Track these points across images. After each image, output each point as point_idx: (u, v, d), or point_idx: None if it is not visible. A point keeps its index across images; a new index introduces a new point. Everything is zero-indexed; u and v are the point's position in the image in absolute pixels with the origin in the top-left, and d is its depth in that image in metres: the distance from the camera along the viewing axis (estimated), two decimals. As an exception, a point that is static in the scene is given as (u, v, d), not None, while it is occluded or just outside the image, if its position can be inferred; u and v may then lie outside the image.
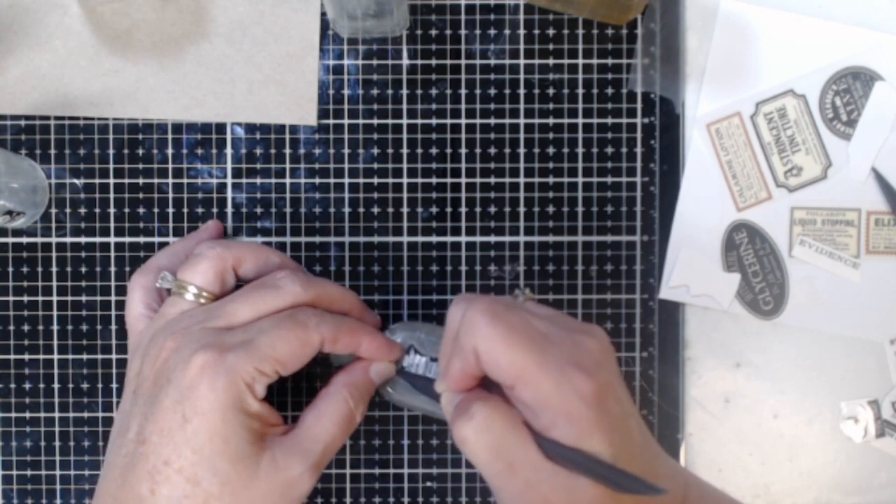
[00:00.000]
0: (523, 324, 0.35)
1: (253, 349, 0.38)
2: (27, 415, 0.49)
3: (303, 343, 0.39)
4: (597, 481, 0.33)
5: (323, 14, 0.49)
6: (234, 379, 0.37)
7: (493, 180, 0.49)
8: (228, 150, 0.49)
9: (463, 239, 0.49)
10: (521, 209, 0.49)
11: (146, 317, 0.42)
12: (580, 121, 0.49)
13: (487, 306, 0.35)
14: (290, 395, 0.49)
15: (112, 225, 0.49)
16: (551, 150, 0.49)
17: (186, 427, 0.37)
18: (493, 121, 0.49)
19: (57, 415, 0.49)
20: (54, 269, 0.49)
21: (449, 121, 0.49)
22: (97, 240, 0.49)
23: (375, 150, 0.49)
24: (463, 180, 0.49)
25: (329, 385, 0.42)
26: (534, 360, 0.34)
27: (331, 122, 0.49)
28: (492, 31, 0.49)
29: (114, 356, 0.49)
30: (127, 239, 0.49)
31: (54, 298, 0.49)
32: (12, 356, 0.49)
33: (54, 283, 0.49)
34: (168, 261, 0.44)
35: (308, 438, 0.39)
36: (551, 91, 0.49)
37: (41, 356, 0.49)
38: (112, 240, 0.49)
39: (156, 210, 0.49)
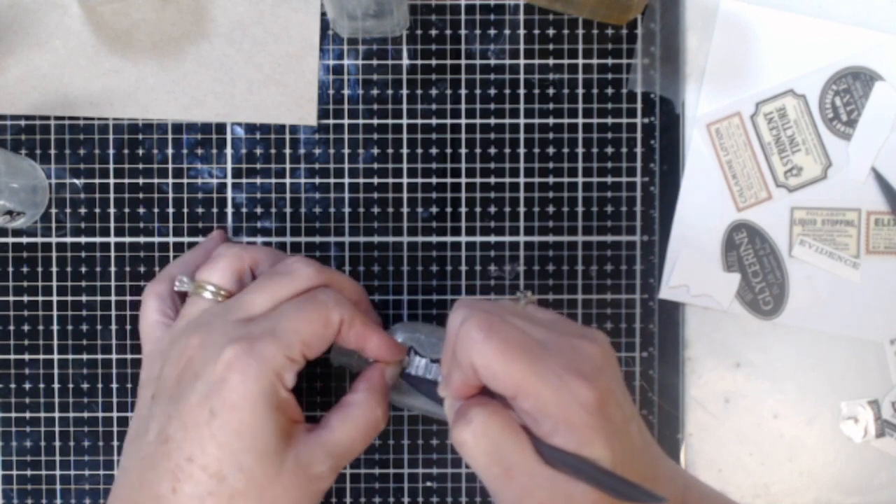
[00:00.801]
0: (519, 335, 0.35)
1: (280, 336, 0.37)
2: (27, 415, 0.49)
3: (325, 322, 0.39)
4: (597, 488, 0.33)
5: (323, 14, 0.49)
6: (265, 370, 0.37)
7: (493, 180, 0.49)
8: (228, 150, 0.49)
9: (463, 239, 0.49)
10: (521, 209, 0.49)
11: (162, 324, 0.42)
12: (580, 121, 0.49)
13: (482, 320, 0.35)
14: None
15: (112, 225, 0.49)
16: (551, 150, 0.49)
17: (213, 422, 0.36)
18: (493, 121, 0.49)
19: (57, 415, 0.49)
20: (54, 269, 0.49)
21: (449, 121, 0.49)
22: (97, 240, 0.49)
23: (375, 150, 0.49)
24: (463, 180, 0.49)
25: (355, 392, 0.41)
26: (532, 371, 0.34)
27: (331, 122, 0.49)
28: (492, 31, 0.49)
29: (114, 356, 0.49)
30: (127, 239, 0.49)
31: (54, 298, 0.49)
32: (12, 356, 0.49)
33: (54, 283, 0.49)
34: (179, 270, 0.44)
35: (332, 440, 0.39)
36: (551, 91, 0.49)
37: (41, 356, 0.49)
38: (112, 240, 0.49)
39: (156, 210, 0.49)
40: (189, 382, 0.37)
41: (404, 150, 0.49)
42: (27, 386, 0.49)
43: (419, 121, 0.49)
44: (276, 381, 0.37)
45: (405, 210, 0.49)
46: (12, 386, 0.49)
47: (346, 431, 0.40)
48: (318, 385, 0.49)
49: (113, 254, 0.49)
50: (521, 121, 0.49)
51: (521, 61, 0.49)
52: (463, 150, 0.49)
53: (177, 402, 0.37)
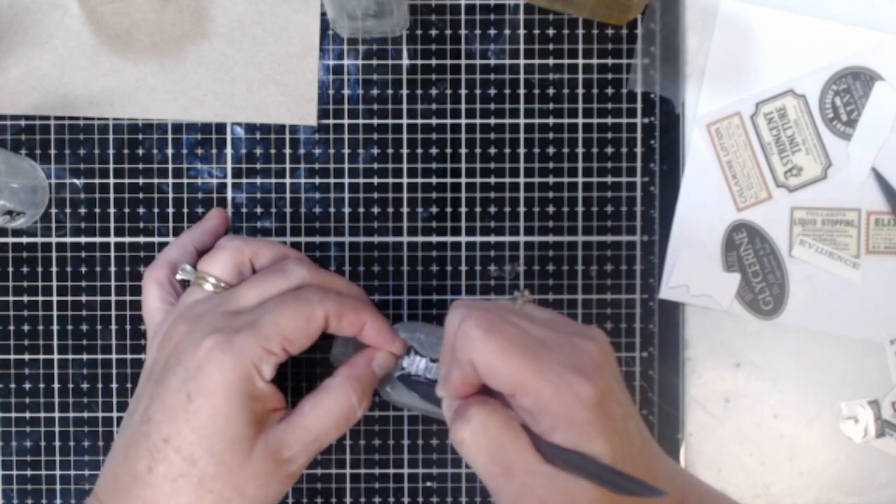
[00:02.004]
0: (518, 333, 0.35)
1: (259, 329, 0.38)
2: (27, 415, 0.49)
3: (307, 318, 0.39)
4: (597, 484, 0.33)
5: (323, 14, 0.49)
6: (241, 360, 0.38)
7: (493, 180, 0.49)
8: (228, 150, 0.49)
9: (463, 239, 0.49)
10: (521, 209, 0.49)
11: (163, 310, 0.43)
12: (580, 121, 0.49)
13: (481, 318, 0.35)
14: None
15: (112, 225, 0.49)
16: (551, 150, 0.49)
17: (189, 406, 0.37)
18: (493, 121, 0.49)
19: (57, 415, 0.49)
20: (54, 269, 0.49)
21: (449, 121, 0.49)
22: (97, 240, 0.49)
23: (375, 150, 0.49)
24: (463, 180, 0.49)
25: (333, 377, 0.42)
26: (531, 368, 0.34)
27: (331, 122, 0.49)
28: (492, 31, 0.49)
29: (114, 356, 0.49)
30: (127, 239, 0.49)
31: (54, 298, 0.49)
32: (12, 356, 0.49)
33: (54, 283, 0.49)
34: (177, 253, 0.45)
35: (302, 426, 0.40)
36: (551, 91, 0.49)
37: (41, 356, 0.49)
38: (112, 240, 0.49)
39: (156, 210, 0.49)
40: (172, 367, 0.39)
41: (404, 150, 0.49)
42: (27, 386, 0.49)
43: (419, 121, 0.49)
44: (253, 372, 0.38)
45: (405, 210, 0.49)
46: (12, 386, 0.49)
47: (317, 417, 0.40)
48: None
49: (113, 254, 0.49)
50: (521, 121, 0.49)
51: (521, 61, 0.49)
52: (463, 150, 0.49)
53: (159, 384, 0.39)
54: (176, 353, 0.39)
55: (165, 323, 0.42)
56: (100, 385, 0.49)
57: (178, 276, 0.44)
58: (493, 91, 0.49)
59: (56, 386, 0.49)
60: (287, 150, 0.49)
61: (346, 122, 0.49)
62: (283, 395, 0.40)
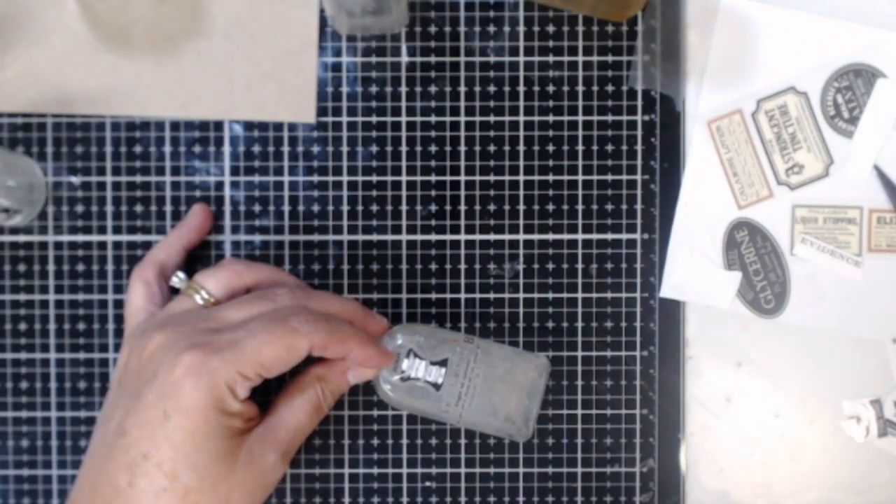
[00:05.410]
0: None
1: (238, 353, 0.38)
2: (24, 414, 0.49)
3: (290, 349, 0.39)
4: None
5: (321, 11, 0.48)
6: (216, 382, 0.38)
7: (492, 178, 0.49)
8: (226, 148, 0.49)
9: (462, 237, 0.49)
10: (521, 207, 0.49)
11: (146, 310, 0.44)
12: (580, 118, 0.49)
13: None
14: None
15: (109, 223, 0.49)
16: (551, 148, 0.49)
17: (167, 423, 0.37)
18: (492, 118, 0.49)
19: (54, 414, 0.49)
20: (51, 267, 0.49)
21: (448, 118, 0.49)
22: (94, 238, 0.49)
23: (374, 148, 0.49)
24: (462, 178, 0.49)
25: (304, 375, 0.43)
26: None
27: (329, 119, 0.49)
28: (491, 29, 0.49)
29: (111, 355, 0.49)
30: (124, 237, 0.49)
31: (51, 297, 0.49)
32: (9, 355, 0.49)
33: (51, 282, 0.49)
34: (165, 253, 0.46)
35: (281, 427, 0.41)
36: (551, 88, 0.49)
37: (38, 355, 0.49)
38: (109, 238, 0.49)
39: (153, 208, 0.49)
40: (147, 381, 0.39)
41: (403, 148, 0.49)
42: (24, 385, 0.49)
43: (418, 118, 0.49)
44: (227, 394, 0.38)
45: (404, 208, 0.49)
46: (9, 385, 0.49)
47: (292, 416, 0.42)
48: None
49: (110, 252, 0.49)
50: (521, 118, 0.49)
51: (521, 58, 0.49)
52: (462, 148, 0.49)
53: (135, 397, 0.39)
54: (151, 364, 0.39)
55: (143, 325, 0.42)
56: (97, 384, 0.49)
57: (172, 283, 0.44)
58: (492, 88, 0.49)
59: (53, 385, 0.49)
60: (285, 148, 0.49)
61: (344, 119, 0.49)
62: (256, 406, 0.41)
